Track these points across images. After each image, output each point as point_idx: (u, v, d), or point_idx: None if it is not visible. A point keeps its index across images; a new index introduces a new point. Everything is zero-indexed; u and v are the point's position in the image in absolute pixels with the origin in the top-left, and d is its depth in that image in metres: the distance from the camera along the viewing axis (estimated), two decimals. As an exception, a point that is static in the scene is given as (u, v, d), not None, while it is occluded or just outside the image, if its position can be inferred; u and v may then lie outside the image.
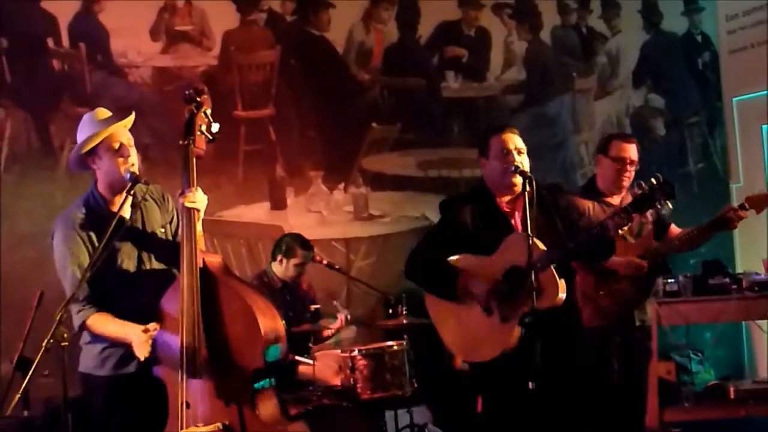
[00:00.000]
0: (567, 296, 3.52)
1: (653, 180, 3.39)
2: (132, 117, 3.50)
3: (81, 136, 3.44)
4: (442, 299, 3.77)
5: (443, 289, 3.73)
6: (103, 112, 3.49)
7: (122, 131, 3.43)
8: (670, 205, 3.45)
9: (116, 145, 3.39)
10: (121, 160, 3.37)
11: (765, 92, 6.52)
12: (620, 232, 3.52)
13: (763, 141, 6.67)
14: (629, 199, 4.43)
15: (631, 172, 4.43)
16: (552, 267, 3.47)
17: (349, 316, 5.50)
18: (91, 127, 3.42)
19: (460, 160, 6.64)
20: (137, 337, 3.23)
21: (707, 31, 7.16)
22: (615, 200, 4.43)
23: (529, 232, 3.39)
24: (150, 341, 3.21)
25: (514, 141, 3.71)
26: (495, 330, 3.58)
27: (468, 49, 6.84)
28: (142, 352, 3.22)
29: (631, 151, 4.44)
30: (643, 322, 4.49)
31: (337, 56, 6.59)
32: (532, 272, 3.38)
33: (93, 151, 3.40)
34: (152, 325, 3.24)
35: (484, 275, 3.63)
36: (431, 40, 6.78)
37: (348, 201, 6.52)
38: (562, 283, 3.48)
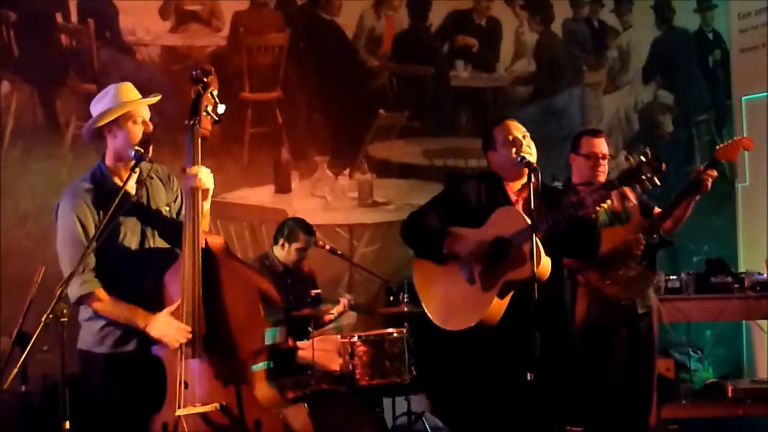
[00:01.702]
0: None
1: (641, 156, 3.33)
2: (158, 98, 3.49)
3: (103, 104, 3.42)
4: (431, 264, 3.72)
5: (429, 247, 3.70)
6: (131, 86, 3.48)
7: (145, 109, 3.43)
8: (657, 182, 3.35)
9: (139, 120, 3.38)
10: (139, 134, 3.36)
11: (775, 92, 6.51)
12: (599, 208, 3.42)
13: (770, 141, 6.65)
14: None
15: (604, 166, 4.42)
16: (536, 240, 3.39)
17: (352, 301, 5.49)
18: (116, 97, 3.40)
19: (466, 149, 6.63)
20: (163, 319, 3.25)
21: (719, 28, 7.13)
22: None
23: (534, 223, 3.36)
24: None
25: (518, 128, 3.73)
26: (474, 298, 3.56)
27: (478, 38, 6.82)
28: (165, 332, 3.24)
29: (602, 145, 4.43)
30: (647, 309, 4.47)
31: (346, 41, 6.57)
32: (525, 242, 3.37)
33: (114, 121, 3.39)
34: (173, 307, 3.26)
35: (471, 244, 3.60)
36: (442, 28, 6.76)
37: (353, 187, 6.52)
38: (546, 259, 3.45)
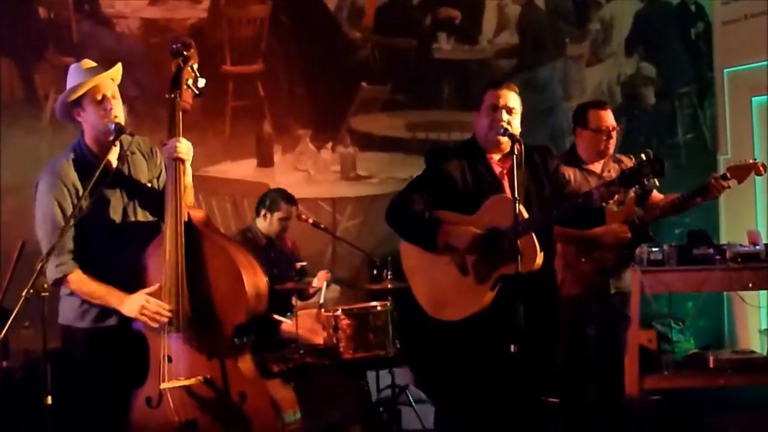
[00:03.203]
0: (544, 264, 3.48)
1: (643, 156, 3.30)
2: (118, 68, 3.44)
3: (67, 87, 3.40)
4: (419, 249, 3.64)
5: (423, 237, 3.60)
6: (88, 63, 3.43)
7: (107, 83, 3.37)
8: (657, 183, 3.36)
9: (99, 97, 3.33)
10: (103, 113, 3.32)
11: (756, 64, 6.51)
12: (605, 204, 3.41)
13: (752, 113, 6.66)
14: (610, 165, 4.45)
15: (614, 138, 4.44)
16: (532, 232, 3.42)
17: (329, 274, 5.42)
18: (76, 77, 3.37)
19: (449, 122, 6.60)
20: (136, 299, 3.24)
21: (701, 1, 7.11)
22: (596, 167, 4.44)
23: (516, 196, 3.32)
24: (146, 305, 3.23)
25: (507, 98, 3.61)
26: (468, 290, 3.52)
27: (461, 10, 6.77)
28: (135, 311, 3.24)
29: (610, 117, 4.44)
30: (619, 290, 4.50)
31: (328, 13, 6.51)
32: (516, 236, 3.33)
33: (77, 103, 3.35)
34: (151, 289, 3.25)
35: (465, 235, 3.52)
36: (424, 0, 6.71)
37: (335, 160, 6.49)
38: (540, 252, 3.44)
